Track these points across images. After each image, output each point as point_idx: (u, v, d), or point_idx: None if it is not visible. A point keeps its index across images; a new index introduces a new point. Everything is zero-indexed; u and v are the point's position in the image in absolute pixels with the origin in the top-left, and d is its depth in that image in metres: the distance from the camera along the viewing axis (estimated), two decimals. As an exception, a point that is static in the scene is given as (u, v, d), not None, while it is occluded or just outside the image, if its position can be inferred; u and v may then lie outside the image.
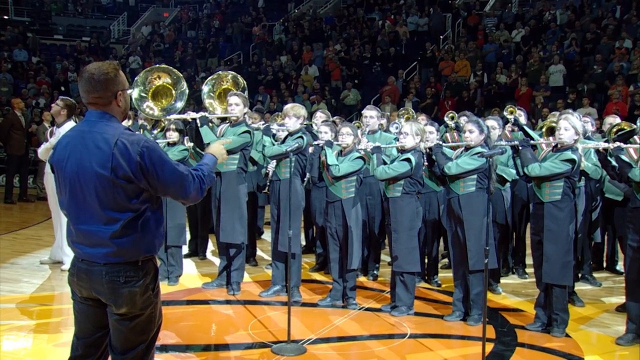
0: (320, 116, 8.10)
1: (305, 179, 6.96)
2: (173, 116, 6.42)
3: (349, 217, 6.24)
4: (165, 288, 6.84)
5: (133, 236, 3.01)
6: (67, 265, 7.24)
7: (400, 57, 20.27)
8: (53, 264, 7.99)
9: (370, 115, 7.49)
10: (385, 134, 7.62)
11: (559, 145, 5.57)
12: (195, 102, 16.90)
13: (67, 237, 3.15)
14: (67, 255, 7.42)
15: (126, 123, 7.61)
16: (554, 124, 6.21)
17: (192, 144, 7.11)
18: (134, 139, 3.00)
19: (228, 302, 6.61)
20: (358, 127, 7.18)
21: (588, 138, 6.68)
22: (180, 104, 6.43)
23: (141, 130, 7.70)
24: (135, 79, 6.42)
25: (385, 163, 6.12)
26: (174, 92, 6.41)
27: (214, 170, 3.35)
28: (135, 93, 6.30)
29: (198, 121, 6.47)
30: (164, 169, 3.02)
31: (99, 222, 3.00)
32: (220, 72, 7.51)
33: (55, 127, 7.77)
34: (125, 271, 3.02)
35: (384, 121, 8.25)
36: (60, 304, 6.51)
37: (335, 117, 8.65)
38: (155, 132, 7.81)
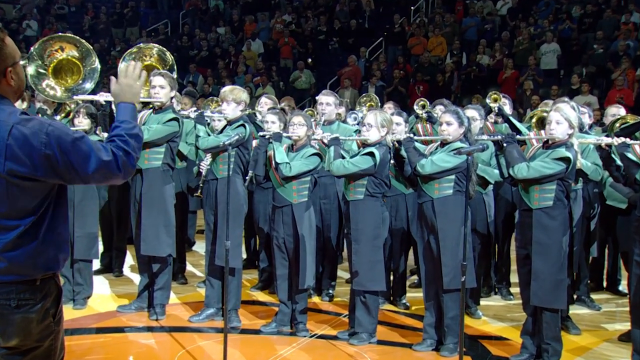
0: (265, 102, 8.09)
1: (247, 177, 6.92)
2: (80, 97, 6.31)
3: (301, 225, 6.23)
4: (68, 313, 6.72)
5: (30, 248, 2.93)
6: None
7: (363, 32, 20.36)
8: None
9: (327, 102, 7.49)
10: (344, 125, 7.64)
11: (550, 141, 5.65)
12: (109, 81, 16.66)
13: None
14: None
15: (20, 106, 7.46)
16: (545, 114, 6.31)
17: (106, 135, 7.00)
18: (34, 125, 2.89)
19: (150, 329, 6.53)
20: (312, 117, 7.17)
21: (586, 132, 6.80)
22: (89, 84, 6.32)
23: (39, 116, 7.55)
24: (31, 50, 6.29)
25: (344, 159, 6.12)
26: (82, 68, 6.31)
27: (136, 122, 3.16)
28: (31, 69, 6.17)
29: (113, 105, 6.36)
30: (80, 155, 2.90)
31: (-15, 231, 2.92)
32: (141, 45, 7.43)
33: None
34: (18, 292, 2.92)
35: (342, 110, 8.26)
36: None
37: (283, 104, 8.64)
38: (58, 117, 7.67)
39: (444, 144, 5.93)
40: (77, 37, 6.47)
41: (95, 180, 3.02)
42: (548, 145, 5.65)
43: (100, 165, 2.94)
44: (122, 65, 3.33)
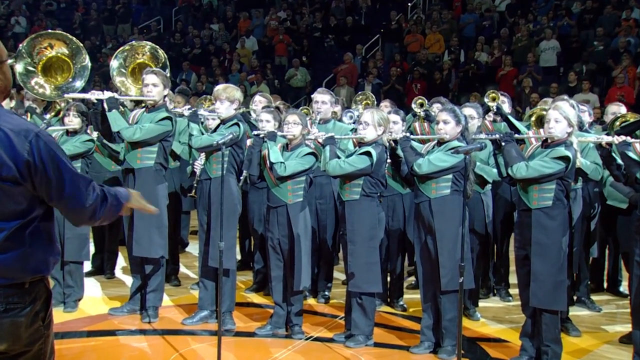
0: (260, 101, 8.08)
1: (241, 177, 6.92)
2: (71, 95, 6.31)
3: (296, 225, 6.23)
4: (58, 316, 6.70)
5: (19, 251, 2.91)
6: None
7: (359, 29, 20.36)
8: None
9: (322, 100, 7.49)
10: (340, 124, 7.64)
11: (549, 140, 5.66)
12: (101, 80, 16.65)
13: None
14: None
15: (7, 104, 7.46)
16: (544, 112, 6.32)
17: (97, 134, 6.99)
18: (22, 128, 2.90)
19: (142, 332, 6.53)
20: (307, 115, 7.17)
21: (586, 131, 6.81)
22: (80, 83, 6.32)
23: (28, 115, 7.55)
24: (19, 48, 6.28)
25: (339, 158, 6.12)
26: (72, 66, 6.30)
27: (119, 206, 3.19)
28: (19, 66, 6.16)
29: (105, 104, 6.36)
30: (60, 170, 2.92)
31: (-28, 234, 2.90)
32: (134, 42, 7.44)
33: None
34: (7, 296, 2.91)
35: (338, 108, 8.26)
36: None
37: (278, 102, 8.64)
38: (47, 116, 7.66)
39: (440, 143, 5.94)
40: (67, 34, 6.47)
41: (63, 204, 3.00)
42: (547, 144, 5.66)
43: (75, 188, 2.96)
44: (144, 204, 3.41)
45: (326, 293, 7.67)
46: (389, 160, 6.28)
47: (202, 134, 6.55)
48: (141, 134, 6.36)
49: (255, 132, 6.40)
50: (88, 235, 7.11)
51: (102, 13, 23.68)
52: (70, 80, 6.32)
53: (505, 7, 19.18)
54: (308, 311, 7.05)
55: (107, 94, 6.40)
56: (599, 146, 5.90)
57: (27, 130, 2.90)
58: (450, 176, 5.82)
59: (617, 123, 6.81)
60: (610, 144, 5.74)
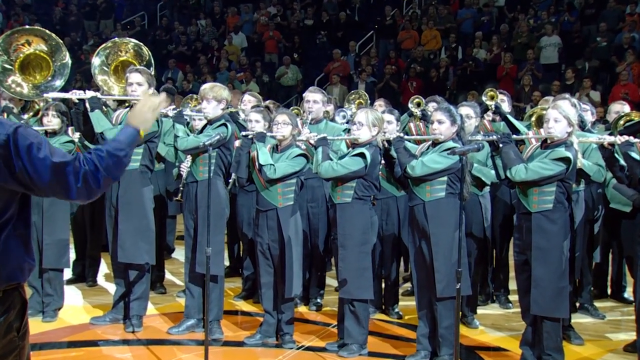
0: (249, 100, 8.08)
1: (229, 180, 6.91)
2: (51, 94, 6.30)
3: (286, 229, 6.23)
4: (37, 326, 6.69)
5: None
6: None
7: (353, 25, 20.37)
8: None
9: (314, 99, 7.50)
10: (332, 124, 7.64)
11: (549, 140, 5.67)
12: (83, 78, 16.63)
13: None
14: None
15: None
16: (544, 112, 6.33)
17: (78, 135, 6.98)
18: None
19: (126, 342, 6.51)
20: (298, 115, 7.17)
21: (588, 130, 6.82)
22: (60, 81, 6.31)
23: (4, 115, 7.52)
24: None
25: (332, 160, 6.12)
26: (51, 63, 6.30)
27: (130, 147, 3.15)
28: (-6, 64, 6.17)
29: (87, 104, 6.35)
30: (33, 156, 2.88)
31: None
32: (116, 39, 7.43)
33: None
34: (-21, 306, 2.92)
35: (330, 107, 8.26)
36: None
37: (268, 102, 8.65)
38: (25, 116, 7.64)
39: (435, 143, 5.94)
40: (46, 30, 6.46)
41: (49, 186, 2.95)
42: (547, 144, 5.67)
43: (54, 170, 2.92)
44: (148, 96, 3.34)
45: (318, 300, 7.67)
46: (382, 162, 6.28)
47: (188, 135, 6.54)
48: (124, 135, 6.34)
49: (244, 133, 6.40)
50: (68, 241, 7.09)
51: (83, 8, 23.64)
52: (50, 78, 6.32)
53: (504, 2, 19.24)
54: (299, 319, 7.04)
55: (89, 94, 6.38)
56: (601, 147, 5.90)
57: (2, 125, 2.88)
58: (445, 178, 5.80)
59: (621, 122, 6.83)
60: (612, 145, 5.74)
